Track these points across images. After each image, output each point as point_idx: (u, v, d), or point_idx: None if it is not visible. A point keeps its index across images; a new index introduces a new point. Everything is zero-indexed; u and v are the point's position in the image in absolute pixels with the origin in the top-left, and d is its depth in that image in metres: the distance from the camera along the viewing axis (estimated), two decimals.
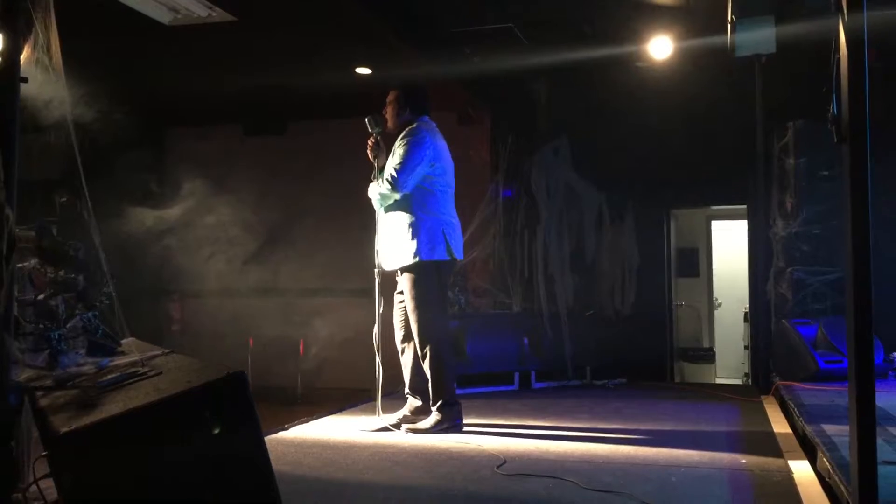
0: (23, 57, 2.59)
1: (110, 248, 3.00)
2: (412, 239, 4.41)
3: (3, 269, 2.31)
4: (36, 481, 2.52)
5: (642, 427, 4.67)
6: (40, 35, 2.64)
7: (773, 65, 6.29)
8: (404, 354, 4.61)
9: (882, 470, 2.38)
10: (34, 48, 2.67)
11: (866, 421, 2.29)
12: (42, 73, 2.69)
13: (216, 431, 1.97)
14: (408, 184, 4.40)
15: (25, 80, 2.57)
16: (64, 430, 1.98)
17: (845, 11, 2.37)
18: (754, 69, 6.36)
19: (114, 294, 2.92)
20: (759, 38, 5.86)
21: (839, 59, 2.43)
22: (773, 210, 6.85)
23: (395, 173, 4.38)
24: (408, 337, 4.58)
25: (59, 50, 2.70)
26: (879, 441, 2.70)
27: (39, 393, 2.48)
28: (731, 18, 5.84)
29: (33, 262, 2.93)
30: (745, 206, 7.76)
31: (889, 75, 6.40)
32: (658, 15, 6.61)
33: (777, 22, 5.87)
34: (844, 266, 2.44)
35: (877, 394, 2.36)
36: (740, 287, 8.55)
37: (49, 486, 2.49)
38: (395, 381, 4.78)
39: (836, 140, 2.44)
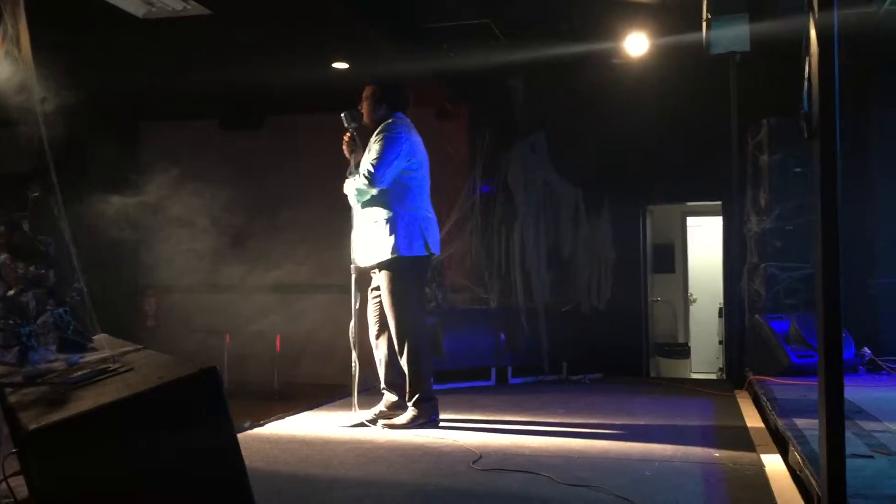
0: None
1: (83, 243, 2.97)
2: (390, 234, 4.40)
3: None
4: (6, 479, 2.49)
5: (617, 422, 4.70)
6: (9, 27, 2.60)
7: (747, 62, 6.35)
8: (378, 350, 4.61)
9: (851, 463, 2.41)
10: (3, 40, 2.63)
11: (835, 414, 2.32)
12: (11, 66, 2.65)
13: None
14: (385, 178, 4.39)
15: None
16: (33, 426, 1.96)
17: (816, 9, 2.40)
18: (729, 67, 6.41)
19: (84, 289, 2.89)
20: (734, 35, 5.91)
21: (810, 56, 2.45)
22: (747, 206, 6.92)
23: (371, 168, 4.37)
24: (382, 332, 4.57)
25: (28, 42, 2.66)
26: (849, 434, 2.74)
27: (9, 389, 2.45)
28: (706, 16, 5.88)
29: (3, 257, 2.89)
30: (719, 203, 7.82)
31: (860, 73, 6.49)
32: (634, 12, 6.64)
33: (751, 20, 5.92)
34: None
35: (847, 388, 2.39)
36: (715, 283, 8.62)
37: (19, 484, 2.46)
38: (371, 376, 4.78)
39: (806, 136, 2.46)
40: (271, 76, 7.26)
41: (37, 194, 3.02)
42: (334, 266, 5.75)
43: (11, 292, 2.82)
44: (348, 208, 4.60)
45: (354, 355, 4.51)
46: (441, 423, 4.46)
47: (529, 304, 7.12)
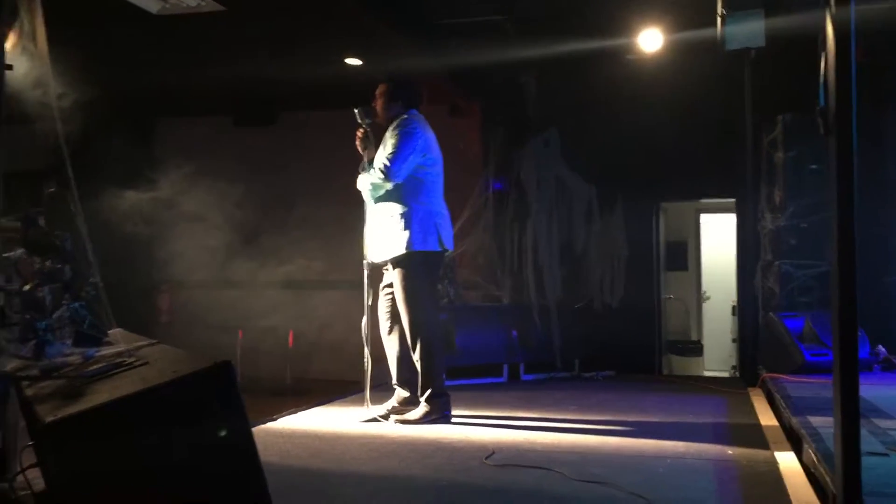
0: (8, 45, 2.57)
1: (99, 238, 2.99)
2: (405, 229, 4.40)
3: None
4: (23, 471, 2.51)
5: (630, 419, 4.69)
6: (26, 23, 2.62)
7: (762, 58, 6.31)
8: (390, 346, 4.62)
9: (866, 461, 2.40)
10: (20, 36, 2.65)
11: (850, 412, 2.31)
12: (28, 61, 2.67)
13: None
14: (400, 173, 4.40)
15: (10, 67, 2.55)
16: (49, 419, 1.97)
17: (832, 5, 2.38)
18: (744, 63, 6.37)
19: (99, 284, 2.91)
20: (749, 31, 5.86)
21: (826, 52, 2.44)
22: (761, 203, 6.87)
23: (387, 162, 4.38)
24: (394, 328, 4.58)
25: (44, 38, 2.68)
26: (864, 432, 2.72)
27: (25, 383, 2.48)
28: (721, 12, 5.84)
29: (20, 252, 2.91)
30: (733, 200, 7.78)
31: (877, 69, 6.44)
32: (648, 7, 6.61)
33: (767, 16, 5.88)
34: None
35: (862, 386, 2.38)
36: (728, 280, 8.57)
37: (36, 476, 2.49)
38: (383, 372, 4.79)
39: (822, 132, 2.45)
40: (285, 72, 7.28)
41: (53, 190, 3.05)
42: (348, 262, 5.76)
43: (28, 287, 2.84)
44: (360, 204, 4.61)
45: (367, 351, 4.52)
46: (453, 419, 4.47)
47: (542, 301, 7.11)
